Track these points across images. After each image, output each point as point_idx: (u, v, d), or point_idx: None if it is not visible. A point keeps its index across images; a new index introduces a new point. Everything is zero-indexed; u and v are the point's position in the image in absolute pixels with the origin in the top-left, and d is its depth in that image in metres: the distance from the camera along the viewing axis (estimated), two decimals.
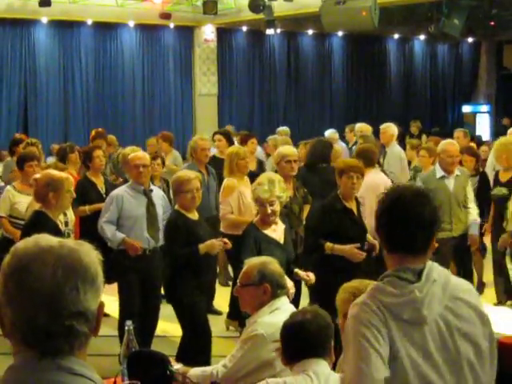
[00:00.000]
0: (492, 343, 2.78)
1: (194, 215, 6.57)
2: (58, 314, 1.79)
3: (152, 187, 7.42)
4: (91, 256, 1.89)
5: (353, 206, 6.87)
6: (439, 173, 8.38)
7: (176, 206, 6.63)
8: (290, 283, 5.42)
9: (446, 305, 2.68)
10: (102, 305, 1.90)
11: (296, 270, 6.31)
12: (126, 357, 3.95)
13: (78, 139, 17.71)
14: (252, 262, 4.54)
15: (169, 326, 7.72)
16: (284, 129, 14.75)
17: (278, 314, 4.26)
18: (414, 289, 2.64)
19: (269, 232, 6.33)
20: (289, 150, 8.05)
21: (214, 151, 10.13)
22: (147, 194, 7.22)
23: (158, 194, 7.45)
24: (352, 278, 4.17)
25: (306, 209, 7.81)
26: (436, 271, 2.71)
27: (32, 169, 8.01)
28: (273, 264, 4.50)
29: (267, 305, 4.35)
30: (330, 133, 13.50)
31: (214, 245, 6.42)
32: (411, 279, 2.66)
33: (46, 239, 1.88)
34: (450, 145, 8.55)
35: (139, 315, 6.79)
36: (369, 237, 6.96)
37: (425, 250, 2.74)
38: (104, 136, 11.59)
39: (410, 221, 2.70)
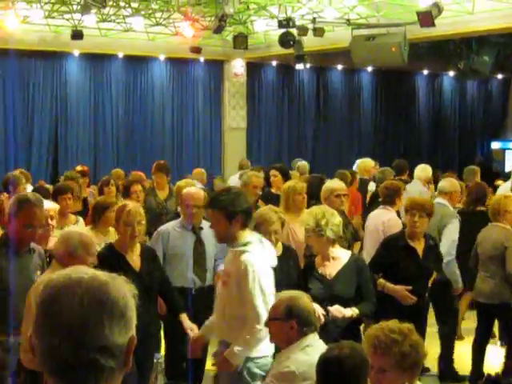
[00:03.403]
0: None
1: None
2: (81, 347, 1.76)
3: (203, 224, 6.92)
4: (122, 290, 1.85)
5: (418, 245, 6.69)
6: None
7: None
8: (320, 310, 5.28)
9: None
10: (132, 339, 1.85)
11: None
12: None
13: (107, 169, 17.79)
14: (281, 296, 4.48)
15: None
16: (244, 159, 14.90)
17: (309, 351, 4.22)
18: None
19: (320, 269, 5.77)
20: (338, 184, 7.68)
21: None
22: (196, 231, 6.93)
23: (210, 232, 6.80)
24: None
25: (356, 246, 7.49)
26: None
27: (65, 202, 7.79)
28: (302, 299, 4.41)
29: (297, 341, 4.29)
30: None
31: None
32: None
33: (79, 271, 1.85)
34: None
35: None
36: None
37: None
38: (166, 169, 10.38)
39: None
